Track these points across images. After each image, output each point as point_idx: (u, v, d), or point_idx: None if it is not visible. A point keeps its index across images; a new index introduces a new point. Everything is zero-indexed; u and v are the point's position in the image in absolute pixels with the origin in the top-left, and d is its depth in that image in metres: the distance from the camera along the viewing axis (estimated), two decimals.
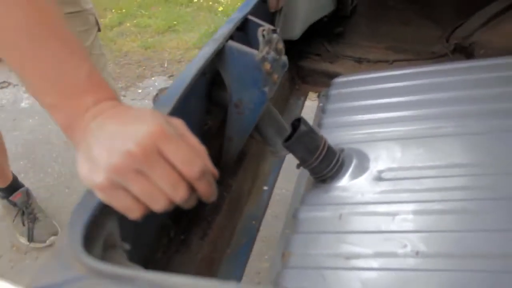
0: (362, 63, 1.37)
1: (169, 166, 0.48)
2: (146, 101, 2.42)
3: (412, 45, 1.47)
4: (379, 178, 0.85)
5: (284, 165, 1.08)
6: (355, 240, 0.73)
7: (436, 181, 0.81)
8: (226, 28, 0.74)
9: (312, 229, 0.80)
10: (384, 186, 0.83)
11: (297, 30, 1.21)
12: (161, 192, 0.49)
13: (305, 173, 0.97)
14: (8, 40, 0.50)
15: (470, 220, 0.72)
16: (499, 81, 1.02)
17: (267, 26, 0.74)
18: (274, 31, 0.76)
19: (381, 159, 0.89)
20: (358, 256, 0.71)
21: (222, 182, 0.92)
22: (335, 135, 0.99)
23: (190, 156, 0.50)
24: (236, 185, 0.94)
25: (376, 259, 0.69)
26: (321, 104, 1.23)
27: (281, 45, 0.76)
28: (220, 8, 3.35)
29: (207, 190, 0.53)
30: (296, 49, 1.38)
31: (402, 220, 0.75)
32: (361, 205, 0.80)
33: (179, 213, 0.73)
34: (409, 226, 0.74)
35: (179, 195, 0.49)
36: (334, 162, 0.87)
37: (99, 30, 1.38)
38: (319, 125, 1.06)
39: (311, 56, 1.37)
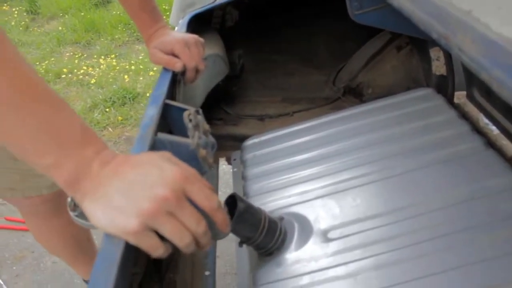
0: (265, 120, 1.38)
1: (192, 205, 0.54)
2: None
3: (304, 94, 1.52)
4: (326, 240, 0.83)
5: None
6: None
7: (382, 230, 0.81)
8: (149, 119, 0.69)
9: None
10: (334, 246, 0.81)
11: (198, 99, 1.18)
12: (187, 229, 0.54)
13: (243, 250, 0.92)
14: None
15: (429, 263, 0.72)
16: (401, 119, 1.08)
17: (192, 109, 0.70)
18: (197, 112, 0.71)
19: (322, 218, 0.87)
20: None
21: (163, 278, 0.83)
22: (266, 202, 0.96)
23: (209, 192, 0.57)
24: (179, 277, 0.86)
25: None
26: (235, 169, 1.20)
27: (207, 126, 0.73)
28: (93, 81, 3.21)
29: (225, 219, 0.62)
30: None
31: (364, 278, 0.74)
32: (319, 272, 0.77)
33: None
34: (374, 284, 0.72)
35: (202, 229, 0.55)
36: (277, 233, 0.83)
37: None
38: (245, 193, 1.02)
39: (213, 121, 1.34)
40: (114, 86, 3.03)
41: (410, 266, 0.73)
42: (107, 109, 2.70)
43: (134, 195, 0.50)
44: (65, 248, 1.36)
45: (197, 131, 0.67)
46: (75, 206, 0.74)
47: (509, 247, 0.70)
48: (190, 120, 0.68)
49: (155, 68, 3.32)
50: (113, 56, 3.64)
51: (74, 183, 0.52)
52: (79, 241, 1.36)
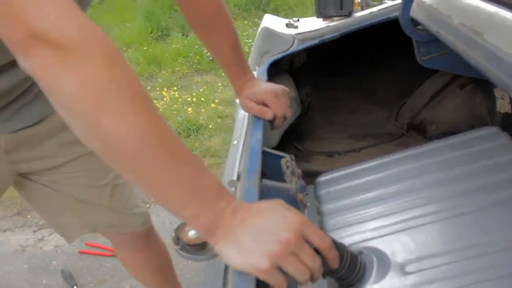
0: (333, 156, 1.47)
1: (309, 245, 0.64)
2: None
3: (368, 130, 1.60)
4: (404, 273, 0.90)
5: None
6: None
7: (456, 265, 0.88)
8: (253, 167, 0.79)
9: None
10: (412, 279, 0.88)
11: (275, 138, 1.29)
12: (307, 267, 0.63)
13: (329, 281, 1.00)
14: (144, 171, 0.59)
15: None
16: (467, 158, 1.14)
17: (288, 156, 0.80)
18: (291, 158, 0.82)
19: (398, 252, 0.95)
20: None
21: None
22: (343, 236, 1.04)
23: (322, 234, 0.68)
24: None
25: None
26: (308, 204, 1.29)
27: (299, 171, 0.83)
28: None
29: (336, 256, 0.74)
30: None
31: None
32: None
33: None
34: None
35: (318, 266, 0.66)
36: (358, 265, 0.91)
37: None
38: (322, 228, 1.11)
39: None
40: (179, 118, 3.21)
41: None
42: None
43: (263, 239, 0.60)
44: (152, 277, 1.49)
45: (294, 177, 0.77)
46: (178, 240, 0.86)
47: None
48: (288, 167, 0.78)
49: (216, 101, 3.49)
50: (175, 88, 3.85)
51: (211, 230, 0.62)
52: (164, 271, 1.49)
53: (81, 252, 2.14)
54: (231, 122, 3.21)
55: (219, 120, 3.27)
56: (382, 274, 0.91)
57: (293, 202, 0.75)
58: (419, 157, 1.22)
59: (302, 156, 1.46)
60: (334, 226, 1.10)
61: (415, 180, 1.14)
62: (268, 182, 0.76)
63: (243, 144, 1.00)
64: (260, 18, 1.82)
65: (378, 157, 1.28)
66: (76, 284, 1.95)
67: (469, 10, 0.94)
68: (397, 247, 0.96)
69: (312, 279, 0.66)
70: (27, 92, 0.98)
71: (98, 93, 0.53)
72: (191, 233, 0.87)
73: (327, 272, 0.92)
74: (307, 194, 0.84)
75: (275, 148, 1.40)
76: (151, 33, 4.99)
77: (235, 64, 1.08)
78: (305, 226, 0.64)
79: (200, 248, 0.87)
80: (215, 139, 2.97)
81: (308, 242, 0.64)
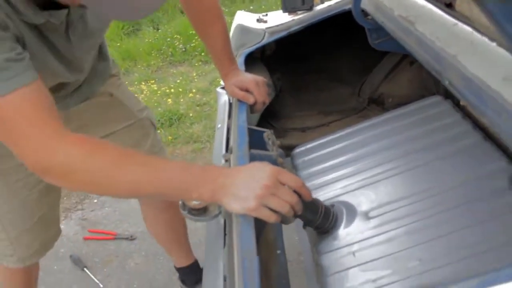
0: (306, 131, 1.69)
1: (286, 186, 0.86)
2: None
3: (335, 106, 1.83)
4: (368, 218, 1.13)
5: None
6: (374, 266, 1.00)
7: (408, 207, 1.11)
8: (242, 141, 1.01)
9: (336, 269, 1.05)
10: (374, 222, 1.11)
11: (255, 118, 1.51)
12: (286, 202, 0.85)
13: (304, 233, 1.23)
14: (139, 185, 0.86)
15: (442, 227, 1.02)
16: (417, 123, 1.38)
17: (269, 131, 1.02)
18: (272, 132, 1.03)
19: (363, 203, 1.18)
20: (382, 277, 0.97)
21: None
22: (319, 195, 1.26)
23: (294, 177, 0.90)
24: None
25: (394, 275, 0.96)
26: None
27: (278, 142, 1.04)
28: None
29: (308, 191, 0.94)
30: None
31: (398, 242, 1.04)
32: (365, 240, 1.07)
33: None
34: (405, 245, 1.02)
35: (295, 199, 0.88)
36: (331, 215, 1.14)
37: (155, 128, 1.59)
38: None
39: None
40: (160, 109, 3.39)
41: (430, 230, 1.03)
42: (158, 131, 3.06)
43: (249, 187, 0.83)
44: (167, 234, 1.76)
45: (274, 146, 0.99)
46: (184, 206, 1.06)
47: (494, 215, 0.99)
48: (269, 139, 0.99)
49: (193, 90, 3.67)
50: (152, 81, 4.01)
51: (213, 197, 0.86)
52: (177, 232, 1.75)
53: (86, 239, 2.33)
54: (209, 109, 3.40)
55: (198, 108, 3.46)
56: (351, 220, 1.14)
57: (275, 165, 0.97)
58: (377, 125, 1.45)
59: (278, 133, 1.67)
60: (311, 188, 1.31)
61: (375, 144, 1.37)
62: (255, 151, 0.97)
63: (230, 125, 1.21)
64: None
65: (344, 128, 1.51)
66: (86, 266, 2.14)
67: (406, 3, 1.16)
68: (362, 199, 1.20)
69: (294, 211, 0.89)
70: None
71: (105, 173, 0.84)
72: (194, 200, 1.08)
73: (306, 223, 1.15)
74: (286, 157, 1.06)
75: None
76: (122, 28, 5.10)
77: (223, 54, 1.30)
78: (279, 173, 0.86)
79: (202, 211, 1.08)
80: (196, 126, 3.17)
81: (285, 184, 0.86)
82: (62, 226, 2.40)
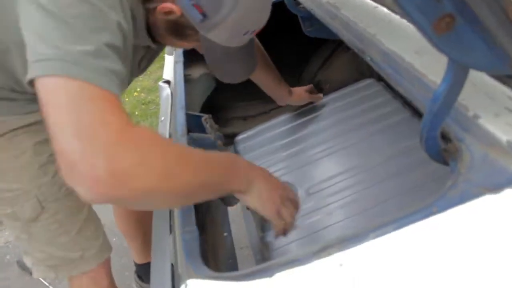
0: (247, 119, 1.73)
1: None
2: None
3: None
4: (309, 194, 1.19)
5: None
6: (313, 238, 1.06)
7: (344, 182, 1.18)
8: (181, 124, 1.03)
9: (279, 244, 1.10)
10: (314, 197, 1.17)
11: (197, 107, 1.53)
12: (291, 215, 0.91)
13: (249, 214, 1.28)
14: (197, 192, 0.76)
15: (374, 197, 1.09)
16: (352, 104, 1.45)
17: (206, 116, 1.05)
18: (210, 117, 1.07)
19: (303, 181, 1.23)
20: None
21: None
22: None
23: (291, 190, 0.95)
24: (206, 237, 1.20)
25: None
26: None
27: (216, 126, 1.08)
28: None
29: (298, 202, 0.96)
30: None
31: (337, 214, 1.10)
32: (306, 215, 1.13)
33: None
34: (343, 216, 1.09)
35: (295, 212, 0.93)
36: None
37: None
38: None
39: None
40: None
41: (365, 201, 1.10)
42: None
43: (271, 195, 0.88)
44: (136, 232, 1.73)
45: (212, 130, 1.02)
46: None
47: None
48: (207, 123, 1.03)
49: (138, 89, 3.65)
50: None
51: (240, 190, 0.86)
52: (146, 230, 1.67)
53: None
54: (154, 107, 3.39)
55: (143, 106, 3.44)
56: None
57: (214, 147, 1.00)
58: (315, 109, 1.52)
59: (220, 123, 1.71)
60: None
61: (313, 126, 1.43)
62: (194, 135, 1.01)
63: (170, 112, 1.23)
64: None
65: (283, 114, 1.57)
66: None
67: None
68: (302, 177, 1.25)
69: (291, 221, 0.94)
70: None
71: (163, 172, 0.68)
72: None
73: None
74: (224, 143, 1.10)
75: None
76: None
77: (278, 80, 1.44)
78: (284, 187, 0.93)
79: None
80: (143, 124, 3.15)
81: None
82: (6, 233, 2.37)
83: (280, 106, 1.77)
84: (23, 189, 1.13)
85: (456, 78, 0.58)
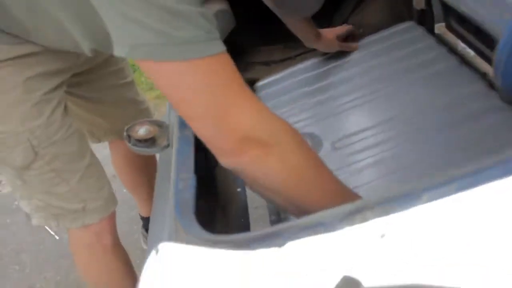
0: (270, 65, 1.55)
1: None
2: None
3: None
4: (334, 149, 1.03)
5: None
6: None
7: (376, 137, 1.02)
8: None
9: None
10: (340, 152, 1.02)
11: None
12: None
13: None
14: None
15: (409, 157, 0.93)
16: (389, 49, 1.26)
17: None
18: None
19: (329, 133, 1.07)
20: None
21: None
22: None
23: None
24: (219, 191, 1.06)
25: None
26: None
27: None
28: None
29: None
30: None
31: (367, 173, 0.95)
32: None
33: None
34: (373, 176, 0.93)
35: None
36: None
37: None
38: None
39: None
40: None
41: (403, 158, 0.93)
42: None
43: None
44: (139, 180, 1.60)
45: None
46: (129, 138, 0.94)
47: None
48: None
49: None
50: None
51: None
52: (150, 180, 1.52)
53: None
54: None
55: None
56: (316, 151, 1.04)
57: None
58: (347, 53, 1.33)
59: (239, 67, 1.54)
60: None
61: (344, 73, 1.26)
62: None
63: None
64: None
65: (310, 58, 1.39)
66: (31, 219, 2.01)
67: None
68: (328, 129, 1.09)
69: None
70: None
71: (298, 170, 0.67)
72: (141, 130, 0.96)
73: None
74: None
75: None
76: None
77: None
78: None
79: (151, 143, 0.96)
80: None
81: None
82: None
83: (308, 51, 1.59)
84: (12, 131, 0.99)
85: None
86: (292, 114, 1.18)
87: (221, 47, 0.64)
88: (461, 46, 1.29)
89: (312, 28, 1.27)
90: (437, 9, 1.40)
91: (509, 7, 0.53)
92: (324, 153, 1.03)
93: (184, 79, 0.61)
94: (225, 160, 0.67)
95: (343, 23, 1.68)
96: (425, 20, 1.41)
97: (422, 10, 1.41)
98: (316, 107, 1.18)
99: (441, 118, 0.96)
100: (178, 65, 0.60)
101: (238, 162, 0.66)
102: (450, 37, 1.32)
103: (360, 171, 0.96)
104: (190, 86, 0.62)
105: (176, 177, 0.62)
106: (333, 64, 1.30)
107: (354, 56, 1.31)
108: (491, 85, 1.00)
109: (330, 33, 1.31)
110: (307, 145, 0.70)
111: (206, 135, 0.66)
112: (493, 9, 0.59)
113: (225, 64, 0.64)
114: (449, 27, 1.33)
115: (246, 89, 0.66)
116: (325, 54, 1.37)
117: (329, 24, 1.72)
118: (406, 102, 1.06)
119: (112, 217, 1.22)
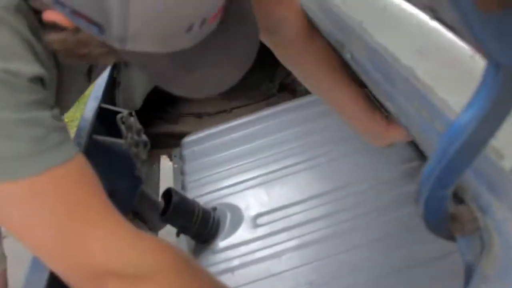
0: (203, 117, 1.45)
1: None
2: None
3: (242, 91, 1.60)
4: (255, 225, 0.92)
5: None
6: None
7: (304, 214, 0.91)
8: (84, 122, 0.75)
9: None
10: (262, 231, 0.90)
11: (137, 101, 1.24)
12: None
13: (183, 240, 1.00)
14: None
15: (342, 241, 0.82)
16: (328, 113, 1.17)
17: (125, 112, 0.77)
18: (130, 114, 0.78)
19: (252, 206, 0.96)
20: None
21: None
22: (202, 194, 1.03)
23: None
24: None
25: None
26: (175, 165, 1.26)
27: (139, 126, 0.79)
28: None
29: None
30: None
31: (288, 258, 0.83)
32: (248, 255, 0.86)
33: None
34: (295, 262, 0.82)
35: None
36: (211, 222, 0.91)
37: None
38: (183, 187, 1.10)
39: (155, 121, 1.40)
40: None
41: (326, 245, 0.83)
42: None
43: None
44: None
45: (129, 132, 0.74)
46: None
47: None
48: (123, 122, 0.74)
49: None
50: None
51: None
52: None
53: None
54: None
55: None
56: (234, 228, 0.92)
57: (126, 156, 0.72)
58: (284, 113, 1.24)
59: (171, 119, 1.42)
60: (195, 185, 1.09)
61: (278, 134, 1.15)
62: (99, 138, 0.72)
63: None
64: None
65: (246, 115, 1.29)
66: None
67: None
68: (251, 201, 0.98)
69: None
70: None
71: None
72: None
73: (180, 230, 0.92)
74: (150, 149, 0.82)
75: (141, 111, 1.35)
76: None
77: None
78: None
79: None
80: None
81: None
82: None
83: (244, 105, 1.50)
84: None
85: (499, 94, 0.30)
86: (215, 180, 1.07)
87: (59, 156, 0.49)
88: None
89: (378, 113, 0.78)
90: None
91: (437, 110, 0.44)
92: (244, 230, 0.91)
93: (13, 201, 0.48)
94: None
95: (286, 76, 1.61)
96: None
97: None
98: (244, 174, 1.06)
99: (367, 201, 0.87)
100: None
101: None
102: None
103: (280, 255, 0.84)
104: (24, 210, 0.49)
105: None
106: (267, 123, 1.20)
107: (291, 116, 1.21)
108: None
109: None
110: (193, 273, 0.58)
111: (58, 271, 0.53)
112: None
113: (70, 178, 0.50)
114: None
115: (103, 208, 0.52)
116: (260, 111, 1.28)
117: (271, 80, 1.64)
118: (337, 176, 0.96)
119: None
